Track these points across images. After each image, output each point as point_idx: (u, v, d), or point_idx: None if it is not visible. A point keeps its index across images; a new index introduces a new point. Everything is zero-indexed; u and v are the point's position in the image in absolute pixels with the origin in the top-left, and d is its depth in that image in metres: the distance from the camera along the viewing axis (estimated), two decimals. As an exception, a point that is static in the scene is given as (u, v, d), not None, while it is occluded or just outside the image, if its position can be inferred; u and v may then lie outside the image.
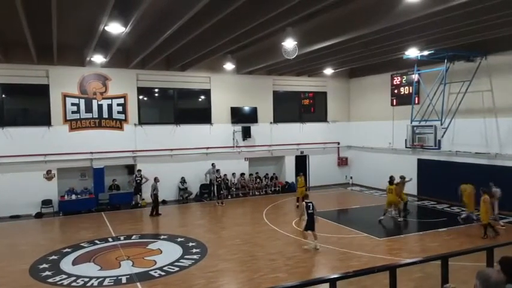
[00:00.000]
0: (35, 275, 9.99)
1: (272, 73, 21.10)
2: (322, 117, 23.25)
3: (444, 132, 16.43)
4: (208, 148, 19.94)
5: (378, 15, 10.72)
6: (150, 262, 10.78)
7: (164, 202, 18.37)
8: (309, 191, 20.01)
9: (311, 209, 11.69)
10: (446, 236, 12.79)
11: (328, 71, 20.64)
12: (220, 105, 20.38)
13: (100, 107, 18.03)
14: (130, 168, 19.20)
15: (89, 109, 17.82)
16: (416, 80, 18.54)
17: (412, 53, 15.49)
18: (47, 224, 16.01)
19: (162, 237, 13.44)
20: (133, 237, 13.41)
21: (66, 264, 10.68)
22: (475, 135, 16.36)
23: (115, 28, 10.35)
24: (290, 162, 22.25)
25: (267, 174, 21.78)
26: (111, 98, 18.26)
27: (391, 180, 15.07)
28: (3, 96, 16.99)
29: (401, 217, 15.00)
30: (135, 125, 18.70)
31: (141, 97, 19.06)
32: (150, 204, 16.89)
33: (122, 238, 13.20)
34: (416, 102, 18.56)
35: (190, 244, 12.31)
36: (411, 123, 17.66)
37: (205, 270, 10.10)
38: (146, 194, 17.61)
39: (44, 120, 17.15)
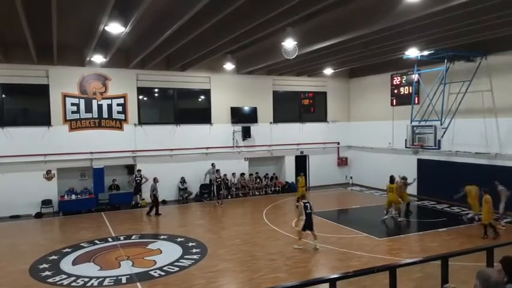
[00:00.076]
0: (35, 275, 9.99)
1: (272, 73, 21.10)
2: (322, 117, 23.25)
3: (444, 132, 16.43)
4: (208, 148, 19.94)
5: (378, 15, 10.72)
6: (150, 262, 10.78)
7: (164, 202, 18.37)
8: (309, 191, 20.05)
9: (309, 208, 11.72)
10: (446, 236, 12.79)
11: (328, 71, 20.64)
12: (220, 105, 20.37)
13: (100, 107, 18.02)
14: (130, 168, 19.20)
15: (88, 109, 17.82)
16: (416, 80, 18.53)
17: (412, 53, 15.49)
18: (46, 224, 16.01)
19: (162, 237, 13.44)
20: (133, 237, 13.41)
21: (66, 264, 10.68)
22: (475, 135, 16.36)
23: (115, 28, 10.35)
24: (290, 162, 22.25)
25: (267, 174, 21.78)
26: (111, 98, 18.26)
27: (392, 179, 15.09)
28: (3, 96, 16.99)
29: (401, 217, 14.98)
30: (135, 125, 18.70)
31: (141, 97, 19.06)
32: (150, 205, 16.88)
33: (121, 238, 13.20)
34: (416, 102, 18.56)
35: (190, 244, 12.30)
36: (411, 123, 17.66)
37: (205, 270, 10.10)
38: (146, 194, 17.60)
39: (44, 120, 17.15)
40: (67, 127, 17.46)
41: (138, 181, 18.05)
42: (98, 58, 15.32)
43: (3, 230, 14.85)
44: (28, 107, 18.12)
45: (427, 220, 15.34)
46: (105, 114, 18.13)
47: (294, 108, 22.82)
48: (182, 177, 19.43)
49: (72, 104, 17.54)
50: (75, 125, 17.61)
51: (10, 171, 16.34)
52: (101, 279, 9.57)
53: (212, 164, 19.22)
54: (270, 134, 21.54)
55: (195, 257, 11.13)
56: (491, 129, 15.90)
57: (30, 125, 16.98)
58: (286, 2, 9.24)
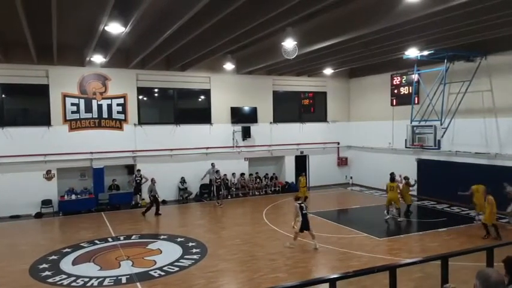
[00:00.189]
0: (35, 275, 9.99)
1: (272, 73, 21.10)
2: (322, 117, 23.24)
3: (444, 132, 16.43)
4: (208, 148, 19.94)
5: (378, 15, 10.71)
6: (150, 262, 10.78)
7: (164, 202, 18.36)
8: (309, 191, 20.04)
9: (305, 209, 11.78)
10: (446, 236, 12.79)
11: (328, 71, 20.64)
12: (220, 105, 20.37)
13: (100, 107, 18.02)
14: (130, 168, 19.20)
15: (88, 109, 17.81)
16: (416, 80, 18.53)
17: (412, 53, 15.48)
18: (46, 224, 16.01)
19: (162, 237, 13.43)
20: (133, 237, 13.41)
21: (66, 264, 10.68)
22: (475, 135, 16.36)
23: (115, 28, 10.34)
24: (290, 162, 22.24)
25: (266, 174, 21.77)
26: (111, 98, 18.25)
27: (392, 177, 15.08)
28: (3, 96, 16.98)
29: (401, 217, 14.98)
30: (134, 125, 18.69)
31: (140, 97, 19.06)
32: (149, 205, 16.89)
33: (121, 238, 13.20)
34: (416, 102, 18.56)
35: (190, 244, 12.30)
36: (411, 123, 17.66)
37: (205, 270, 10.09)
38: (146, 194, 17.57)
39: (44, 120, 17.14)
40: (67, 127, 17.46)
41: (138, 181, 18.05)
42: (98, 58, 15.32)
43: (3, 230, 14.85)
44: (28, 107, 18.11)
45: (427, 220, 15.34)
46: (105, 114, 18.13)
47: (294, 108, 22.81)
48: (182, 177, 19.42)
49: (72, 104, 17.53)
50: (75, 125, 17.61)
51: (10, 171, 16.34)
52: (100, 279, 9.57)
53: (212, 164, 19.22)
54: (270, 134, 21.54)
55: (195, 257, 11.13)
56: (491, 129, 15.90)
57: (30, 125, 16.97)
58: (286, 2, 9.23)
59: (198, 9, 9.30)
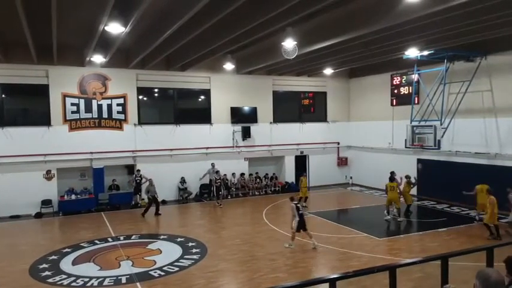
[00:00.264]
0: (35, 275, 9.99)
1: (272, 73, 21.10)
2: (322, 117, 23.24)
3: (444, 132, 16.43)
4: (208, 148, 19.94)
5: (378, 15, 10.71)
6: (150, 262, 10.78)
7: (164, 202, 18.36)
8: (309, 191, 20.02)
9: (301, 209, 11.87)
10: (446, 236, 12.79)
11: (328, 71, 20.63)
12: (220, 105, 20.37)
13: (100, 107, 18.02)
14: (130, 168, 19.19)
15: (88, 109, 17.81)
16: (416, 80, 18.53)
17: (412, 53, 15.48)
18: (46, 224, 16.01)
19: (161, 237, 13.43)
20: (133, 237, 13.41)
21: (66, 264, 10.68)
22: (475, 135, 16.35)
23: (115, 28, 10.34)
24: (290, 162, 22.24)
25: (266, 174, 21.77)
26: (111, 98, 18.25)
27: (392, 176, 15.05)
28: (3, 96, 16.98)
29: (401, 217, 14.98)
30: (134, 125, 18.69)
31: (140, 97, 19.05)
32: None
33: (121, 238, 13.20)
34: (416, 102, 18.55)
35: (190, 244, 12.30)
36: (411, 123, 17.66)
37: (205, 270, 10.10)
38: (145, 195, 17.60)
39: (44, 120, 17.14)
40: (67, 127, 17.46)
41: (137, 181, 18.03)
42: (98, 58, 15.32)
43: (3, 230, 14.85)
44: (28, 107, 18.11)
45: (427, 220, 15.33)
46: (105, 114, 18.13)
47: (294, 108, 22.81)
48: (182, 177, 19.42)
49: (72, 104, 17.53)
50: (75, 125, 17.61)
51: (10, 171, 16.34)
52: (100, 279, 9.57)
53: (212, 164, 19.22)
54: (270, 134, 21.54)
55: (195, 257, 11.13)
56: (491, 129, 15.90)
57: (30, 125, 16.97)
58: (286, 2, 9.23)
59: (198, 9, 9.30)
